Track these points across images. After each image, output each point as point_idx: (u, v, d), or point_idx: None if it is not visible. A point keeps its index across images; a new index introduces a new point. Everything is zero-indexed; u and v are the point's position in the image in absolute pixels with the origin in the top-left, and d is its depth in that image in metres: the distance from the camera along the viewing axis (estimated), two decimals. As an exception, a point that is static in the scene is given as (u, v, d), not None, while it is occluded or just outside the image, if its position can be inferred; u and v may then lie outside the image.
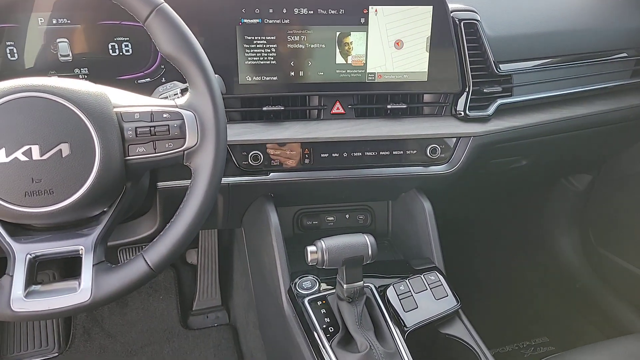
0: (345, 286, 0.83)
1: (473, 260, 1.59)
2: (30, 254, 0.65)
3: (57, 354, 1.45)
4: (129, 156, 0.65)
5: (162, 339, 1.51)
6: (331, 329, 0.83)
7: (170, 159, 0.67)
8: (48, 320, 1.49)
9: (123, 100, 0.67)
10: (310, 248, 0.80)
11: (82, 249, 0.67)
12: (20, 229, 0.67)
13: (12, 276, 0.63)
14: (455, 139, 1.01)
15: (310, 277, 0.94)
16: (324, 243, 0.80)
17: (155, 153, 0.66)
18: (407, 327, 0.85)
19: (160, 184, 0.94)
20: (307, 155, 0.98)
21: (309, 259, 0.80)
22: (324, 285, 0.92)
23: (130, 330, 1.53)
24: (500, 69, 1.02)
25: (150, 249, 0.68)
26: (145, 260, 0.67)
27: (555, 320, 1.60)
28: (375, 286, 0.92)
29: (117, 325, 1.53)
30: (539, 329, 1.56)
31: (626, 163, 1.36)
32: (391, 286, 0.92)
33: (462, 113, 1.01)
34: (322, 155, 0.98)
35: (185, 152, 0.67)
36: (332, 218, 1.17)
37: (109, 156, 0.63)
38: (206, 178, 0.67)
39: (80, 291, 0.64)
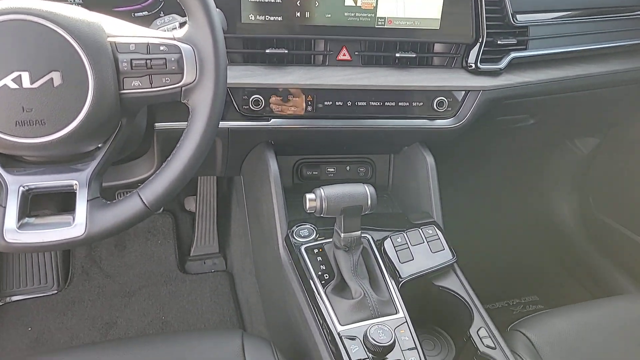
0: (342, 235, 0.82)
1: (471, 218, 1.59)
2: (24, 187, 0.64)
3: (55, 291, 1.48)
4: (123, 89, 0.63)
5: (159, 282, 1.54)
6: (326, 276, 0.83)
7: (167, 95, 0.65)
8: (47, 259, 1.51)
9: (118, 30, 0.64)
10: (309, 195, 0.79)
11: (76, 184, 0.66)
12: (13, 161, 0.66)
13: (4, 207, 0.62)
14: (463, 92, 0.98)
15: (307, 226, 0.94)
16: (323, 191, 0.79)
17: (152, 88, 0.64)
18: (401, 278, 0.85)
19: (158, 125, 0.92)
20: (309, 103, 0.95)
21: (307, 207, 0.79)
22: (321, 234, 0.92)
23: (128, 271, 1.55)
24: (517, 19, 0.97)
25: (145, 187, 0.67)
26: (141, 198, 0.66)
27: (546, 281, 1.62)
28: (372, 237, 0.92)
29: (115, 267, 1.55)
30: (529, 288, 1.59)
31: (634, 127, 1.33)
32: (388, 238, 0.92)
33: (473, 65, 0.97)
34: (325, 103, 0.95)
35: (183, 88, 0.65)
36: (332, 169, 1.15)
37: (102, 88, 0.60)
38: (204, 117, 0.65)
39: (75, 225, 0.64)
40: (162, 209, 1.65)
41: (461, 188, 1.51)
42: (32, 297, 1.45)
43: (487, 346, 0.79)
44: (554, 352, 0.86)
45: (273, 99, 0.92)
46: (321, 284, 0.82)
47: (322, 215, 0.80)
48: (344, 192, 0.80)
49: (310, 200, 0.79)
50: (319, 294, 0.80)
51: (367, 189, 0.80)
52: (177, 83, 0.64)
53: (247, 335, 0.85)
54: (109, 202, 0.68)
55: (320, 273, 0.84)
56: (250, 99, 0.91)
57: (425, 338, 0.94)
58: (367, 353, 0.71)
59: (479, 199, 1.67)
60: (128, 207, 0.67)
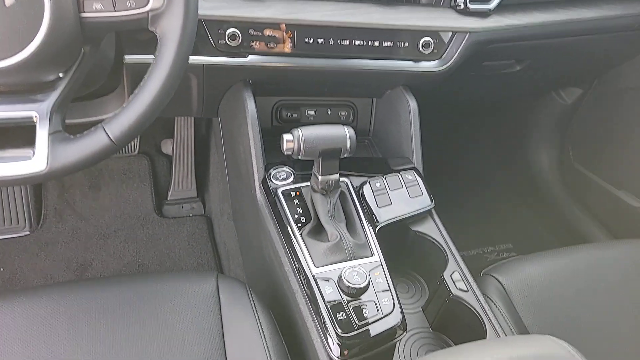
0: (320, 178, 0.80)
1: (451, 165, 1.59)
2: (-22, 117, 0.60)
3: (28, 233, 1.45)
4: (84, 12, 0.57)
5: (136, 225, 1.52)
6: (303, 220, 0.82)
7: (132, 21, 0.60)
8: (18, 199, 1.46)
9: None
10: (286, 136, 0.76)
11: (36, 116, 0.62)
12: (-34, 90, 0.61)
13: None
14: (450, 33, 0.94)
15: (285, 169, 0.91)
16: (301, 132, 0.76)
17: (115, 12, 0.58)
18: (378, 222, 0.85)
19: (128, 58, 0.87)
20: (289, 39, 0.90)
21: (284, 148, 0.77)
22: (299, 178, 0.90)
23: (103, 214, 1.52)
24: (509, -43, 0.92)
25: (111, 121, 0.64)
26: (106, 132, 0.63)
27: (521, 229, 1.65)
28: (350, 181, 0.90)
29: (90, 209, 1.52)
30: (504, 236, 1.62)
31: (621, 77, 1.32)
32: (367, 182, 0.90)
33: (462, 5, 0.93)
34: (306, 40, 0.90)
35: (150, 14, 0.60)
36: (312, 112, 1.11)
37: (60, 9, 0.55)
38: (173, 46, 0.61)
39: (35, 159, 0.60)
40: (137, 150, 1.60)
41: (442, 135, 1.50)
42: (3, 238, 1.42)
43: (460, 289, 0.80)
44: (524, 296, 0.88)
45: (251, 33, 0.87)
46: (297, 227, 0.81)
47: (299, 157, 0.77)
48: (322, 134, 0.77)
49: (288, 141, 0.76)
50: (294, 236, 0.79)
51: (347, 131, 0.78)
52: (143, 7, 0.59)
53: (222, 276, 0.84)
54: (72, 136, 0.64)
55: (296, 216, 0.82)
56: (227, 33, 0.86)
57: (400, 282, 0.95)
58: (341, 294, 0.71)
59: (460, 147, 1.67)
60: (93, 141, 0.63)
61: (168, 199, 1.61)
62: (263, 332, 0.76)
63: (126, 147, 1.54)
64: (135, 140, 1.54)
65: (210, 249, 1.49)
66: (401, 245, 0.93)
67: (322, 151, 0.77)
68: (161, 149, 1.67)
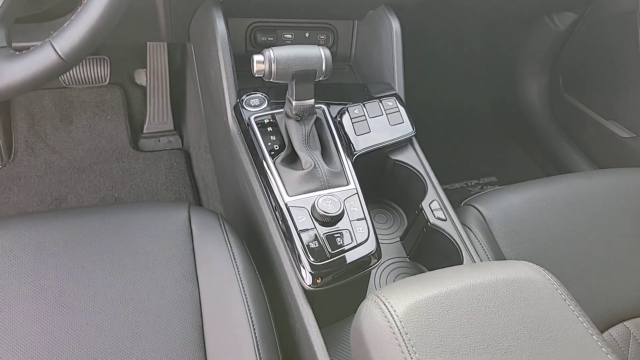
0: (294, 103, 0.76)
1: (435, 94, 1.54)
2: None
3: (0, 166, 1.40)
4: None
5: (111, 159, 1.47)
6: (276, 147, 0.78)
7: None
8: (-15, 133, 1.40)
9: None
10: (256, 57, 0.71)
11: (-29, 29, 0.55)
12: None
13: None
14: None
15: (259, 95, 0.86)
16: (272, 52, 0.70)
17: None
18: (356, 151, 0.81)
19: None
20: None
21: (254, 70, 0.71)
22: (273, 104, 0.84)
23: (77, 147, 1.46)
24: None
25: (58, 35, 0.57)
26: (54, 47, 0.57)
27: (506, 162, 1.63)
28: (328, 108, 0.85)
29: (63, 142, 1.46)
30: (488, 170, 1.60)
31: (617, 0, 1.24)
32: (345, 109, 0.86)
33: None
34: None
35: None
36: (289, 35, 1.04)
37: None
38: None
39: None
40: (108, 81, 1.51)
41: (428, 62, 1.43)
42: (-27, 172, 1.37)
43: (438, 218, 0.78)
44: (504, 225, 0.86)
45: None
46: (270, 155, 0.77)
47: (271, 80, 0.72)
48: (295, 54, 0.71)
49: (258, 62, 0.71)
50: (267, 165, 0.75)
51: (322, 52, 0.72)
52: None
53: (195, 207, 0.81)
54: (17, 52, 0.58)
55: (269, 144, 0.78)
56: None
57: (379, 212, 0.93)
58: (315, 223, 0.69)
59: (446, 76, 1.60)
60: (40, 58, 0.57)
61: (144, 132, 1.55)
62: (235, 262, 0.74)
63: (96, 77, 1.45)
64: (106, 70, 1.45)
65: (188, 182, 1.46)
66: (380, 175, 0.91)
67: (295, 73, 0.72)
68: (135, 79, 1.58)
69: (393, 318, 0.46)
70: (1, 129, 1.42)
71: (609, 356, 0.44)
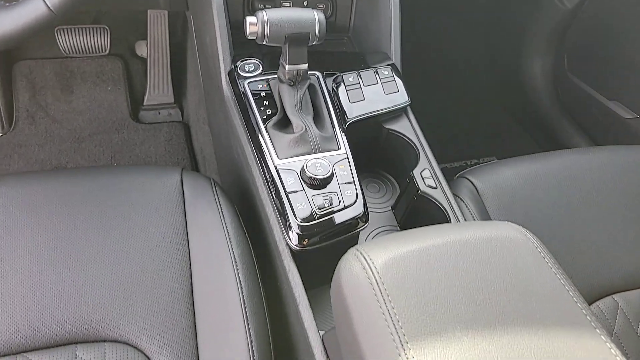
0: (287, 67, 0.75)
1: (436, 69, 1.52)
2: None
3: (0, 134, 1.41)
4: None
5: (111, 129, 1.47)
6: (269, 112, 0.78)
7: None
8: (-14, 101, 1.41)
9: None
10: (249, 19, 0.70)
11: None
12: None
13: None
14: None
15: (254, 61, 0.86)
16: (265, 14, 0.70)
17: None
18: (349, 118, 0.81)
19: None
20: None
21: (247, 32, 0.71)
22: (267, 70, 0.84)
23: (77, 117, 1.47)
24: None
25: None
26: None
27: (507, 142, 1.62)
28: (322, 75, 0.85)
29: (63, 112, 1.47)
30: (489, 149, 1.59)
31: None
32: (340, 76, 0.85)
33: None
34: None
35: None
36: (287, 3, 1.03)
37: None
38: None
39: None
40: (108, 50, 1.51)
41: (430, 37, 1.42)
42: (-26, 140, 1.38)
43: (429, 186, 0.78)
44: (496, 197, 0.86)
45: None
46: (262, 118, 0.77)
47: (264, 43, 0.72)
48: (289, 17, 0.71)
49: (251, 24, 0.70)
50: (259, 128, 0.75)
51: (316, 15, 0.72)
52: None
53: (187, 171, 0.82)
54: (7, 4, 0.58)
55: (262, 108, 0.78)
56: None
57: (372, 182, 0.93)
58: (303, 186, 0.69)
59: (449, 51, 1.58)
60: (28, 10, 0.57)
61: (144, 104, 1.55)
62: (225, 224, 0.75)
63: (96, 46, 1.45)
64: (106, 39, 1.45)
65: (187, 154, 1.46)
66: (374, 144, 0.90)
67: (288, 36, 0.71)
68: (135, 51, 1.58)
69: (371, 270, 0.46)
70: (2, 97, 1.43)
71: (579, 305, 0.44)
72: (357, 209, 0.68)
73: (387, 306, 0.43)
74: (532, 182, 0.89)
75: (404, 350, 0.40)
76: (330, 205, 0.67)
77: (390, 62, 0.91)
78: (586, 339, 0.42)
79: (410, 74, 0.95)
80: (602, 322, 0.76)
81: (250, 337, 0.65)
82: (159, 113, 1.56)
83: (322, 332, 0.61)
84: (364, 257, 0.48)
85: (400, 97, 0.86)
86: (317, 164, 0.69)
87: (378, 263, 0.47)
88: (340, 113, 0.81)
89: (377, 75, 0.87)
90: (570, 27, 1.45)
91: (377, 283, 0.45)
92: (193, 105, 1.49)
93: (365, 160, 0.93)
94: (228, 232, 0.74)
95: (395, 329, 0.42)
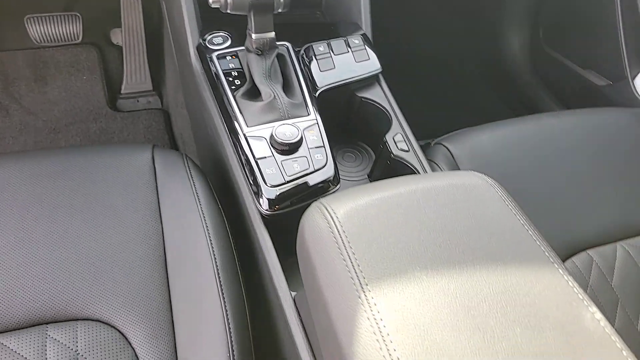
0: (254, 36, 0.75)
1: (412, 40, 1.52)
2: None
3: (-26, 128, 1.39)
4: None
5: (88, 119, 1.46)
6: (238, 82, 0.77)
7: None
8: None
9: None
10: (212, -14, 0.69)
11: None
12: None
13: None
14: None
15: (222, 34, 0.85)
16: (228, -19, 0.69)
17: None
18: (319, 87, 0.80)
19: None
20: None
21: (210, 0, 0.70)
22: (236, 42, 0.83)
23: (52, 108, 1.45)
24: None
25: None
26: None
27: (487, 117, 1.62)
28: (292, 45, 0.84)
29: (38, 103, 1.45)
30: (469, 124, 1.59)
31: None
32: (310, 46, 0.85)
33: None
34: None
35: None
36: None
37: None
38: None
39: None
40: (80, 38, 1.49)
41: (407, 17, 1.41)
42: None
43: (401, 149, 0.78)
44: (470, 162, 0.86)
45: None
46: (231, 89, 0.76)
47: (228, 11, 0.71)
48: (252, -17, 0.70)
49: (214, -8, 0.69)
50: (227, 98, 0.75)
51: None
52: None
53: (158, 147, 0.81)
54: None
55: (230, 79, 0.78)
56: None
57: (348, 152, 0.93)
58: (273, 151, 0.68)
59: (423, 25, 1.58)
60: None
61: (122, 92, 1.54)
62: (198, 196, 0.74)
63: (68, 34, 1.43)
64: (77, 27, 1.43)
65: (167, 141, 1.45)
66: (349, 114, 0.90)
67: (252, 3, 0.71)
68: (111, 39, 1.56)
69: (333, 220, 0.46)
70: None
71: (537, 242, 0.45)
72: (328, 172, 0.68)
73: (347, 252, 0.43)
74: (507, 145, 0.90)
75: (364, 292, 0.40)
76: (300, 169, 0.67)
77: (361, 32, 0.91)
78: (544, 273, 0.42)
79: (390, 52, 0.95)
80: (578, 276, 0.76)
81: (226, 307, 0.65)
82: (138, 101, 1.55)
83: (294, 294, 0.61)
84: (325, 209, 0.48)
85: (371, 65, 0.86)
86: (286, 130, 0.68)
87: (340, 213, 0.47)
88: (311, 81, 0.81)
89: (347, 44, 0.86)
90: (545, 1, 1.45)
91: (339, 231, 0.45)
92: (172, 92, 1.47)
93: (341, 131, 0.93)
94: (201, 205, 0.73)
95: (356, 272, 0.42)
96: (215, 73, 0.79)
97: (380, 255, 0.43)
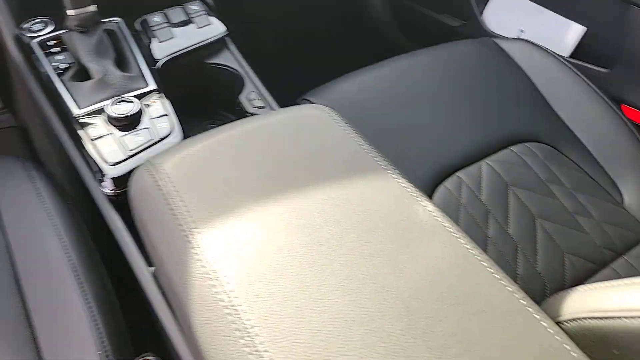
0: (71, 12, 0.68)
1: (279, 20, 1.49)
2: None
3: None
4: None
5: None
6: (64, 66, 0.70)
7: None
8: None
9: None
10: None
11: None
12: None
13: None
14: None
15: (42, 19, 0.77)
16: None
17: None
18: (159, 58, 0.75)
19: None
20: None
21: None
22: (59, 26, 0.76)
23: None
24: None
25: None
26: None
27: (352, 69, 1.64)
28: (124, 20, 0.78)
29: None
30: (334, 78, 1.60)
31: None
32: (144, 19, 0.79)
33: None
34: None
35: None
36: None
37: None
38: None
39: None
40: None
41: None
42: None
43: (256, 107, 0.76)
44: (337, 110, 0.86)
45: None
46: (58, 73, 0.69)
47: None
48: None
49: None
50: (53, 83, 0.67)
51: None
52: None
53: None
54: None
55: (55, 64, 0.70)
56: None
57: (211, 124, 0.89)
58: (112, 129, 0.63)
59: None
60: None
61: (-35, 116, 1.36)
62: (43, 198, 0.67)
63: None
64: None
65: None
66: (203, 86, 0.86)
67: (58, -26, 0.64)
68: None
69: (159, 172, 0.42)
70: None
71: (374, 158, 0.44)
72: (176, 138, 0.64)
73: (175, 201, 0.40)
74: (368, 89, 0.91)
75: (192, 234, 0.37)
76: (142, 142, 0.62)
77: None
78: (377, 180, 0.41)
79: (242, 13, 0.91)
80: (451, 197, 0.79)
81: (89, 304, 0.59)
82: (-13, 123, 1.38)
83: (153, 269, 0.57)
84: (152, 165, 0.44)
85: (214, 29, 0.82)
86: (121, 103, 0.63)
87: (167, 165, 0.43)
88: (149, 54, 0.75)
89: (185, 12, 0.82)
90: None
91: (165, 182, 0.41)
92: (23, 105, 1.33)
93: (201, 105, 0.89)
94: (46, 205, 0.66)
95: (185, 217, 0.39)
96: (37, 60, 0.71)
97: (210, 195, 0.40)
